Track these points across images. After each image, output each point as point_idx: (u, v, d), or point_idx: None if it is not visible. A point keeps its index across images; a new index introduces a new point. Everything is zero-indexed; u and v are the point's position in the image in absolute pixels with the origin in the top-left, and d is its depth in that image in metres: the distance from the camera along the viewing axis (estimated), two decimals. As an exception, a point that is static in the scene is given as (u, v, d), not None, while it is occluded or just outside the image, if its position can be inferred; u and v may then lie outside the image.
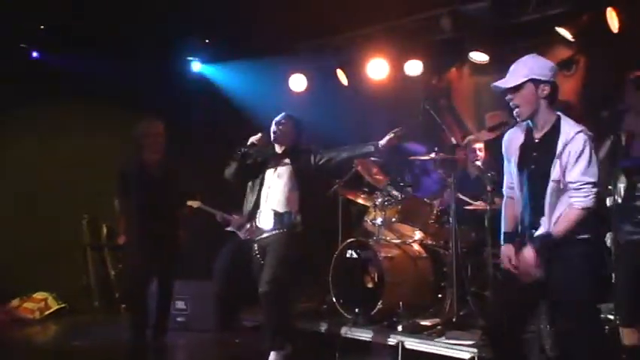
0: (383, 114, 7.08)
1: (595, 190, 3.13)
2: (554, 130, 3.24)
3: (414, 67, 6.60)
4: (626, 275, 3.95)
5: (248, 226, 4.77)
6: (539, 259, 3.16)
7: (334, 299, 5.56)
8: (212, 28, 7.07)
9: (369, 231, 5.96)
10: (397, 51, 6.70)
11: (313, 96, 7.41)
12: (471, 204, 5.52)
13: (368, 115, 7.24)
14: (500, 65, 6.45)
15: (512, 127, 3.45)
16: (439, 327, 4.90)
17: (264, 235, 4.68)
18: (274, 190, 4.70)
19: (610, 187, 4.05)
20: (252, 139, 4.73)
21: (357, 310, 5.34)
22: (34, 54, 7.29)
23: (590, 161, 3.13)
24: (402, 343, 4.78)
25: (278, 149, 4.82)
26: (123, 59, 6.94)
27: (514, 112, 3.33)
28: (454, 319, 5.00)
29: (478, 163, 5.72)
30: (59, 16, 6.53)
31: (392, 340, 4.87)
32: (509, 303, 3.34)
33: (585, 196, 3.12)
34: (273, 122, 4.81)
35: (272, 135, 4.77)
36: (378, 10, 6.26)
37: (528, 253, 3.19)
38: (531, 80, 3.27)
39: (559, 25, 5.74)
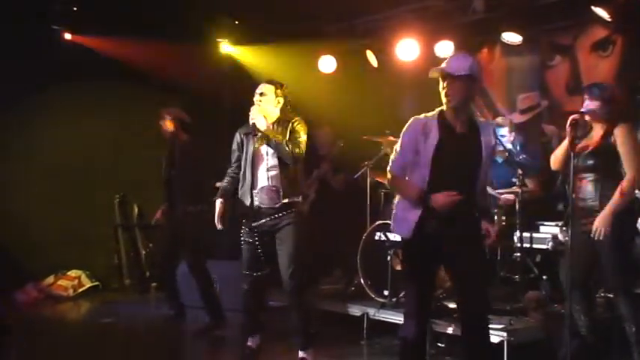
0: (413, 95, 7.01)
1: None
2: (474, 125, 3.51)
3: (444, 48, 6.49)
4: None
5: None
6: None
7: (362, 281, 5.56)
8: (242, 9, 7.06)
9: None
10: (428, 32, 6.62)
11: (343, 77, 7.37)
12: (500, 192, 5.46)
13: (397, 96, 7.18)
14: (533, 46, 6.39)
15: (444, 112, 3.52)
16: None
17: (265, 219, 4.35)
18: (265, 167, 4.34)
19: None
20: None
21: (384, 292, 5.33)
22: (67, 35, 7.36)
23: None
24: (430, 325, 4.76)
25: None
26: (154, 41, 6.99)
27: (445, 99, 3.46)
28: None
29: (508, 145, 5.63)
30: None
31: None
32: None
33: None
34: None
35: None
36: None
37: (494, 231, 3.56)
38: (469, 76, 3.42)
39: (595, 5, 5.58)
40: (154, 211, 5.99)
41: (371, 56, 7.23)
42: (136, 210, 7.80)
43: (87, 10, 6.95)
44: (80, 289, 7.24)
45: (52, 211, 7.18)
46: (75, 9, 7.01)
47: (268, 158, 4.33)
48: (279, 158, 4.30)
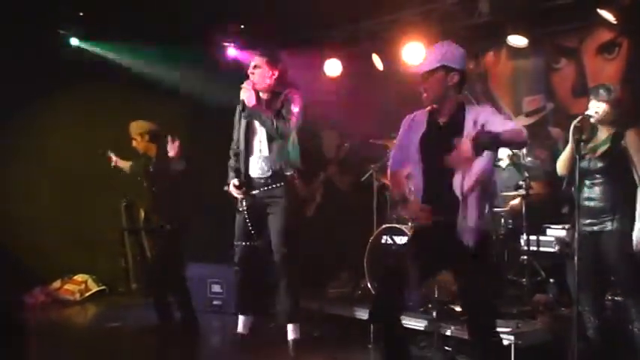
0: (418, 99, 7.00)
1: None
2: (460, 113, 3.34)
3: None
4: None
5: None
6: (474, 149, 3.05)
7: (369, 285, 5.56)
8: (247, 13, 7.07)
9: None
10: (433, 35, 6.61)
11: (348, 81, 7.37)
12: (505, 197, 5.46)
13: (403, 99, 7.17)
14: (538, 48, 6.38)
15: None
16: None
17: (256, 190, 4.41)
18: (258, 139, 4.44)
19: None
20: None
21: (391, 295, 5.32)
22: (74, 40, 7.39)
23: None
24: (438, 329, 4.76)
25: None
26: (161, 45, 7.01)
27: (423, 96, 3.42)
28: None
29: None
30: (98, 3, 6.61)
31: (427, 327, 4.85)
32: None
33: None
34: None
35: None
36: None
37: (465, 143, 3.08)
38: (443, 67, 3.33)
39: (601, 7, 5.57)
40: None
41: (376, 59, 7.23)
42: (142, 214, 7.81)
43: (94, 16, 6.97)
44: (87, 294, 7.26)
45: (59, 216, 7.21)
46: (82, 14, 7.04)
47: (260, 130, 4.41)
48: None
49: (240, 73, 7.82)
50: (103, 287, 7.42)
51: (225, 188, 4.52)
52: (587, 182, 4.06)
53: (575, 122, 3.89)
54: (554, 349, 4.41)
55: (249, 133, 4.44)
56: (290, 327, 4.45)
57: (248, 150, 4.44)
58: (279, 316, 4.59)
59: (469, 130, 3.23)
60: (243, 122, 4.47)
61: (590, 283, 4.07)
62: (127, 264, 7.68)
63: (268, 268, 4.67)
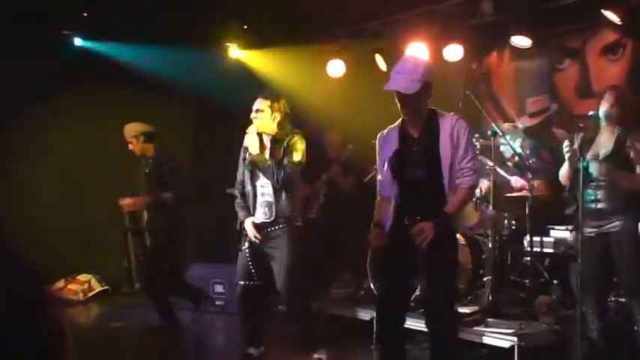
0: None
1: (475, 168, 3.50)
2: (432, 122, 3.50)
3: (453, 52, 6.48)
4: None
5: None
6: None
7: (371, 286, 5.55)
8: (251, 14, 7.07)
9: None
10: (436, 35, 6.61)
11: (351, 81, 7.37)
12: (511, 192, 5.44)
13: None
14: (542, 49, 6.37)
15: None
16: (478, 315, 4.86)
17: (262, 231, 4.36)
18: (261, 184, 4.39)
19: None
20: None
21: (394, 296, 5.31)
22: (78, 40, 7.40)
23: (470, 144, 3.55)
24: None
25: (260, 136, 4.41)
26: (164, 45, 7.01)
27: (402, 113, 3.53)
28: (493, 308, 4.95)
29: (518, 149, 5.62)
30: (102, 3, 6.62)
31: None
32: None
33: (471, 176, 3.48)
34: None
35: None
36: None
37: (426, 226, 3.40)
38: (424, 84, 3.44)
39: (605, 8, 5.56)
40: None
41: (380, 60, 7.22)
42: (145, 214, 7.82)
43: (98, 16, 6.97)
44: (90, 294, 7.27)
45: (62, 216, 7.21)
46: (86, 14, 7.05)
47: (263, 177, 4.37)
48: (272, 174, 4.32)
49: (242, 74, 7.91)
50: (106, 287, 7.42)
51: (241, 226, 4.47)
52: (593, 184, 4.05)
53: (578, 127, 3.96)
54: (557, 350, 4.40)
55: (254, 177, 4.41)
56: (315, 356, 4.47)
57: (253, 193, 4.40)
58: (302, 347, 4.60)
59: (446, 143, 3.43)
60: (247, 157, 4.44)
61: (594, 285, 4.07)
62: (130, 264, 7.68)
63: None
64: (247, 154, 4.40)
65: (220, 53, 8.01)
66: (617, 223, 4.01)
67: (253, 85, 7.75)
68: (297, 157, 4.34)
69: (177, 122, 7.99)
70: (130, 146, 5.61)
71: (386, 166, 3.59)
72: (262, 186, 4.37)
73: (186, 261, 7.11)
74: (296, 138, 4.36)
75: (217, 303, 6.31)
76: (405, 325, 4.90)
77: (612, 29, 5.80)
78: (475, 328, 4.64)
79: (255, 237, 4.33)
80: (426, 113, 3.54)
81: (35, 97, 6.93)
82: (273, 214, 4.33)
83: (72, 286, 7.23)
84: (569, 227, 5.12)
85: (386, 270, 3.77)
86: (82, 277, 7.34)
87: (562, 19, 5.94)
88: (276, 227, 4.33)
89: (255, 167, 4.37)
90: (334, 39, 7.33)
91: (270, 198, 4.34)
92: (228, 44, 8.01)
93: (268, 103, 4.32)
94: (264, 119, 4.31)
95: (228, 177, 5.40)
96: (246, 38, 7.85)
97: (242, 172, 4.48)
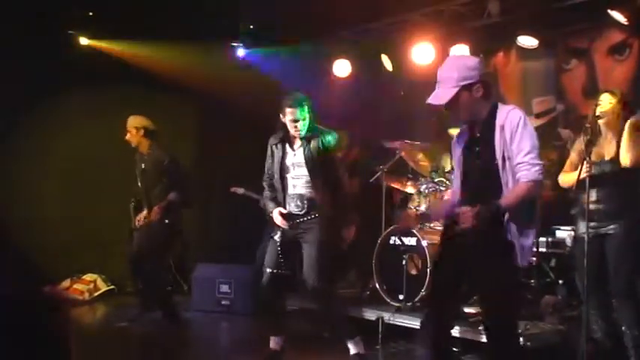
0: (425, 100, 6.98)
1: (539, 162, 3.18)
2: (490, 118, 3.29)
3: (460, 52, 6.48)
4: None
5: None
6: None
7: (377, 286, 5.56)
8: (257, 13, 7.08)
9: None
10: (443, 35, 6.60)
11: (357, 81, 7.37)
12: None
13: (412, 100, 7.16)
14: (549, 49, 6.36)
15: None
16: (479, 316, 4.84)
17: (293, 222, 4.45)
18: (298, 175, 4.48)
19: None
20: None
21: (400, 297, 5.32)
22: (83, 40, 7.42)
23: (526, 136, 3.20)
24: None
25: (296, 135, 4.47)
26: (169, 44, 7.03)
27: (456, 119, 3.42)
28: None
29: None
30: (108, 2, 6.64)
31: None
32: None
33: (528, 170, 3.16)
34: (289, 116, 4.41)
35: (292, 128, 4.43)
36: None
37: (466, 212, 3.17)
38: (462, 87, 3.25)
39: (612, 8, 5.55)
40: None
41: (386, 60, 7.22)
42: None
43: (103, 15, 7.00)
44: (96, 293, 7.28)
45: (68, 216, 7.22)
46: (91, 14, 7.07)
47: (294, 168, 4.47)
48: (307, 168, 4.41)
49: (248, 73, 7.92)
50: (112, 287, 7.43)
51: (270, 215, 4.55)
52: (596, 185, 4.05)
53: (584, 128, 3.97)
54: (562, 350, 4.40)
55: (283, 169, 4.50)
56: (349, 344, 4.47)
57: (284, 187, 4.51)
58: (335, 337, 4.64)
59: (497, 137, 3.22)
60: (278, 158, 4.52)
61: (597, 285, 4.07)
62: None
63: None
64: (278, 150, 4.50)
65: (227, 52, 8.02)
66: (613, 225, 4.04)
67: (259, 85, 7.80)
68: (337, 154, 4.55)
69: (182, 121, 8.01)
70: (128, 136, 5.80)
71: (455, 167, 3.52)
72: (294, 178, 4.47)
73: (192, 261, 7.15)
74: (332, 136, 4.51)
75: (223, 303, 6.32)
76: (407, 325, 4.94)
77: (619, 29, 5.79)
78: (479, 327, 4.63)
79: (285, 225, 4.43)
80: (485, 110, 3.32)
81: (41, 97, 6.94)
82: (306, 206, 4.42)
83: (78, 286, 7.24)
84: (574, 227, 5.12)
85: (434, 269, 3.60)
86: (88, 276, 7.36)
87: (568, 19, 5.93)
88: (308, 218, 4.42)
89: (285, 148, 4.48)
90: (340, 39, 7.34)
91: (303, 190, 4.44)
92: (234, 43, 8.02)
93: (306, 109, 4.41)
94: (303, 126, 4.40)
95: (233, 176, 5.42)
96: (253, 37, 7.86)
97: (271, 166, 4.57)
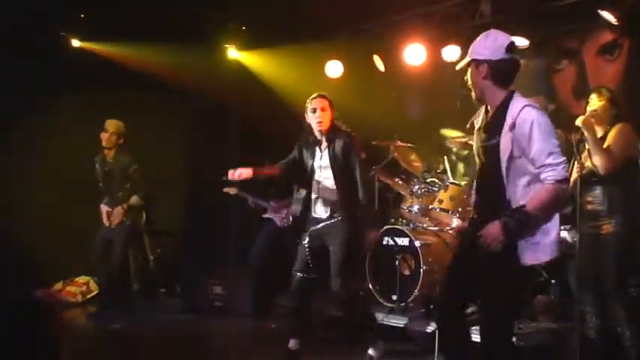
0: (420, 100, 7.01)
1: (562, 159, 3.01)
2: (501, 109, 3.13)
3: (451, 53, 6.50)
4: None
5: (285, 212, 4.70)
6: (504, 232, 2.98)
7: (370, 286, 5.56)
8: (249, 14, 7.08)
9: (406, 218, 5.93)
10: (435, 36, 6.63)
11: (350, 82, 7.38)
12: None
13: (404, 101, 7.18)
14: (540, 50, 6.38)
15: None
16: (476, 315, 4.85)
17: (320, 225, 4.51)
18: (324, 178, 4.53)
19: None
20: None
21: (393, 297, 5.33)
22: (75, 42, 7.40)
23: (547, 135, 3.03)
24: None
25: (319, 135, 4.56)
26: (161, 47, 7.02)
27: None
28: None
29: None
30: (99, 5, 6.62)
31: (429, 328, 4.85)
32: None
33: (554, 170, 2.99)
34: (310, 106, 4.50)
35: (314, 120, 4.49)
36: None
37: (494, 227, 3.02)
38: (473, 60, 3.18)
39: (602, 8, 5.59)
40: (162, 216, 6.03)
41: (378, 61, 7.24)
42: (144, 216, 7.82)
43: (95, 17, 6.98)
44: (89, 295, 7.25)
45: (61, 218, 7.19)
46: (83, 16, 7.05)
47: (320, 171, 4.53)
48: (333, 171, 4.46)
49: (240, 74, 7.92)
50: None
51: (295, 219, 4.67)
52: (588, 185, 4.07)
53: (577, 121, 3.96)
54: (556, 349, 4.41)
55: (310, 172, 4.57)
56: (370, 347, 4.51)
57: (310, 189, 4.57)
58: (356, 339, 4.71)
59: (506, 134, 3.05)
60: (306, 160, 4.58)
61: (591, 283, 4.09)
62: (128, 265, 7.67)
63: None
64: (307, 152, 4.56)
65: (218, 53, 8.01)
66: (606, 225, 4.05)
67: (251, 86, 7.80)
68: (361, 155, 4.53)
69: (175, 122, 7.99)
70: (105, 135, 6.04)
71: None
72: (320, 181, 4.52)
73: (184, 262, 7.14)
74: (352, 135, 4.53)
75: (216, 304, 6.30)
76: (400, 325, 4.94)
77: (609, 29, 5.82)
78: (473, 327, 4.64)
79: (313, 230, 4.49)
80: (498, 97, 3.16)
81: (33, 99, 6.91)
82: (330, 207, 4.48)
83: (70, 288, 7.21)
84: (567, 227, 5.14)
85: (448, 269, 3.47)
86: (81, 279, 7.32)
87: (559, 19, 5.96)
88: (333, 220, 4.46)
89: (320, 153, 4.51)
90: (332, 40, 7.35)
91: (328, 192, 4.48)
92: (226, 45, 8.01)
93: (327, 102, 4.52)
94: (326, 117, 4.49)
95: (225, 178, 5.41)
96: (245, 39, 7.86)
97: (293, 157, 4.65)
